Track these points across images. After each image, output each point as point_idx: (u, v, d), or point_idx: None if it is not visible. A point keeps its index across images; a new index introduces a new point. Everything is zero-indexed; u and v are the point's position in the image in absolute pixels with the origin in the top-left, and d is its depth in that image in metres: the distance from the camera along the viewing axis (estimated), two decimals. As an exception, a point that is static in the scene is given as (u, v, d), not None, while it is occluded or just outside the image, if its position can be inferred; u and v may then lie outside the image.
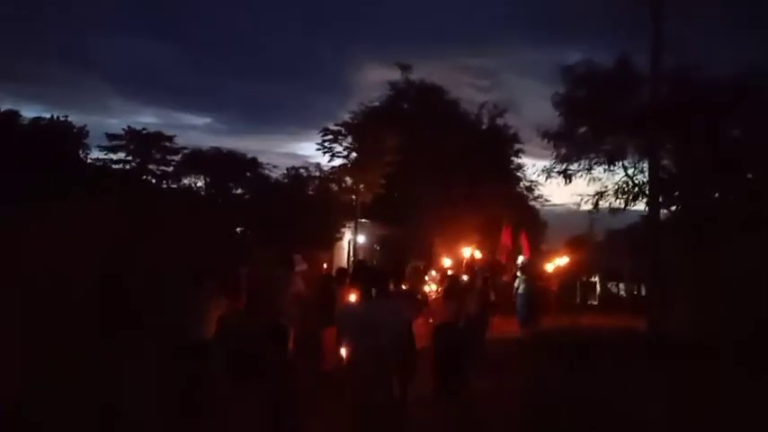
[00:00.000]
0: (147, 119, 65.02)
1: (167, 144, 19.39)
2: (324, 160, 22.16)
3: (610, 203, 16.83)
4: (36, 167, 12.47)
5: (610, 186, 17.04)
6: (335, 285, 8.32)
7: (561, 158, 17.21)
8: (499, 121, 32.96)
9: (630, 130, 15.18)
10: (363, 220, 21.41)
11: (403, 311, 5.06)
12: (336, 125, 21.45)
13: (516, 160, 32.71)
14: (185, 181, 20.47)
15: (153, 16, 62.82)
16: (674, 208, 16.48)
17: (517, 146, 32.37)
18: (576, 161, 17.00)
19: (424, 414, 6.73)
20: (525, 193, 33.32)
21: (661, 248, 15.15)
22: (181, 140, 21.07)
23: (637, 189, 16.34)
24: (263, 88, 62.03)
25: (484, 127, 32.79)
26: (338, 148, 21.65)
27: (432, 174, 25.64)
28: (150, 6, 63.24)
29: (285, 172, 21.05)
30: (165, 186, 19.89)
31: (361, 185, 20.53)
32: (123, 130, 19.67)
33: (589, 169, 16.92)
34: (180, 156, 19.50)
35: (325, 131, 21.79)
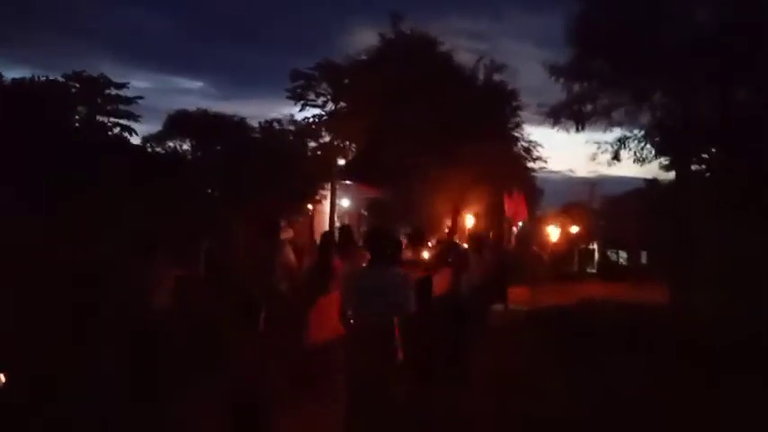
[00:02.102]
0: (139, 83, 63.18)
1: (115, 92, 16.66)
2: (297, 112, 19.50)
3: (635, 152, 13.85)
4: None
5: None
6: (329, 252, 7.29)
7: (573, 98, 13.80)
8: (496, 78, 30.46)
9: (662, 65, 11.91)
10: (347, 182, 19.13)
11: (410, 282, 4.73)
12: (309, 69, 18.78)
13: (514, 119, 30.20)
14: (170, 143, 18.96)
15: None
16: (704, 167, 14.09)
17: (515, 103, 29.93)
18: (591, 102, 13.69)
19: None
20: (523, 154, 31.06)
21: (690, 211, 12.99)
22: (173, 104, 19.17)
23: (666, 135, 13.07)
24: (255, 53, 60.25)
25: (479, 84, 30.27)
26: (312, 97, 18.93)
27: (424, 131, 23.28)
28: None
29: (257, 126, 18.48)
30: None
31: (339, 141, 18.05)
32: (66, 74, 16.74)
33: (608, 112, 13.52)
34: (131, 105, 16.89)
35: (295, 75, 19.07)
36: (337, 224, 18.75)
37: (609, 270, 34.01)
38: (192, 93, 55.36)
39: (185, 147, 19.22)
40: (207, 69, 66.32)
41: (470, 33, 55.32)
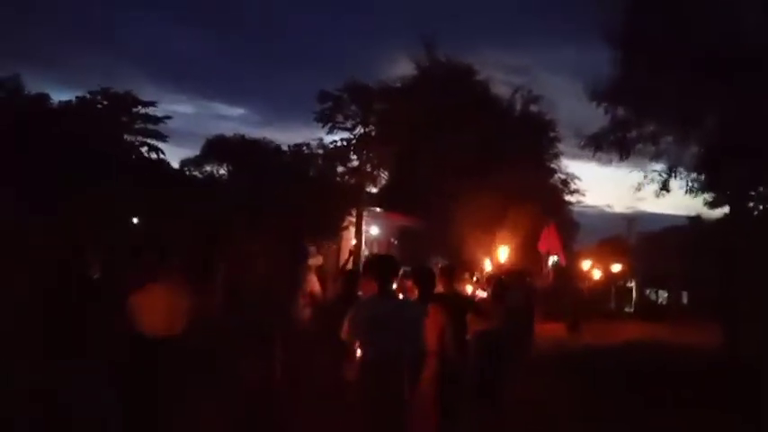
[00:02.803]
0: (181, 107, 64.48)
1: (143, 110, 16.38)
2: (325, 135, 18.92)
3: (687, 181, 12.54)
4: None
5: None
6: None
7: (616, 124, 12.36)
8: (533, 108, 29.76)
9: (720, 78, 10.20)
10: (377, 209, 18.48)
11: (423, 315, 4.44)
12: (338, 90, 18.29)
13: (551, 151, 29.31)
14: (207, 168, 19.07)
15: (189, 5, 61.42)
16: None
17: (553, 134, 29.09)
18: (636, 128, 12.20)
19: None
20: (560, 186, 30.10)
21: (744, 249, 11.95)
22: (214, 130, 19.29)
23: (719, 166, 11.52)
24: (297, 80, 61.18)
25: (516, 114, 29.58)
26: (340, 119, 18.35)
27: (459, 160, 22.60)
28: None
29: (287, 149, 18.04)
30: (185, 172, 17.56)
31: (369, 166, 17.47)
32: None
33: (654, 139, 12.06)
34: (158, 125, 16.61)
35: (323, 96, 18.59)
36: (366, 252, 18.07)
37: (647, 309, 32.72)
38: (232, 119, 56.10)
39: (222, 171, 19.30)
40: (248, 96, 67.01)
41: (507, 66, 54.87)
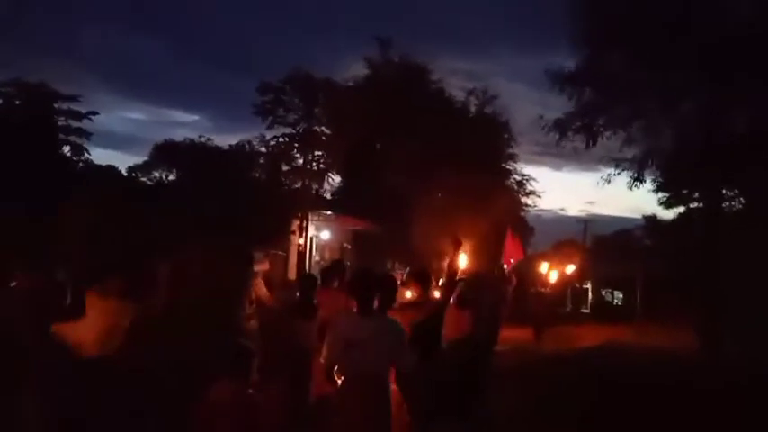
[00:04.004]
0: (134, 114, 62.16)
1: (66, 106, 14.72)
2: (265, 130, 17.72)
3: (655, 178, 11.71)
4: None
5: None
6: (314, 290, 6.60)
7: (583, 108, 11.56)
8: (488, 110, 29.29)
9: (699, 64, 9.56)
10: (327, 213, 17.35)
11: (404, 332, 4.24)
12: (280, 82, 17.10)
13: (507, 151, 28.90)
14: (156, 173, 18.78)
15: (140, 11, 59.35)
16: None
17: (507, 135, 28.68)
18: (605, 113, 11.34)
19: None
20: (516, 188, 29.71)
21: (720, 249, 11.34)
22: (167, 137, 18.68)
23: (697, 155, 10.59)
24: (253, 86, 59.19)
25: (471, 115, 29.04)
26: (282, 113, 17.10)
27: (413, 162, 21.72)
28: (136, 2, 59.20)
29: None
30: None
31: (316, 164, 16.32)
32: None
33: (626, 124, 11.12)
34: (81, 122, 15.03)
35: (264, 88, 17.36)
36: (316, 258, 16.90)
37: (603, 310, 32.79)
38: (186, 125, 54.44)
39: (171, 177, 18.73)
40: (203, 102, 65.71)
41: (462, 72, 54.52)
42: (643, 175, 11.89)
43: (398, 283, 5.61)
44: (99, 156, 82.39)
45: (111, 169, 17.17)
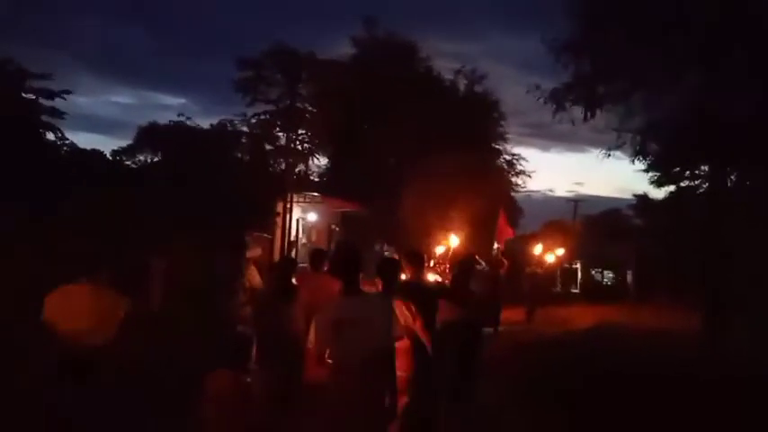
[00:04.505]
0: (120, 98, 61.09)
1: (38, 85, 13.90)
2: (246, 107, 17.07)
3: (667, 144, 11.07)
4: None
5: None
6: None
7: (581, 78, 10.72)
8: (477, 89, 28.84)
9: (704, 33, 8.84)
10: (314, 194, 16.83)
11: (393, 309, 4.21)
12: (261, 55, 16.39)
13: (497, 130, 28.49)
14: (140, 157, 18.21)
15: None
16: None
17: (496, 114, 28.27)
18: (605, 82, 10.56)
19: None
20: (506, 167, 29.36)
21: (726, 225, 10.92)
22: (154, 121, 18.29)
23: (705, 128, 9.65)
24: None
25: (461, 94, 28.54)
26: (265, 88, 16.43)
27: (401, 141, 21.20)
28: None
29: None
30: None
31: (300, 143, 15.74)
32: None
33: (628, 92, 10.28)
34: (54, 100, 14.25)
35: (243, 63, 16.68)
36: (303, 240, 16.41)
37: (594, 290, 32.68)
38: (173, 109, 53.46)
39: (156, 160, 18.14)
40: (189, 85, 64.74)
41: (449, 54, 53.84)
42: (646, 148, 11.37)
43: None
44: (85, 140, 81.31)
45: (96, 153, 16.70)
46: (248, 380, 4.15)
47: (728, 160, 10.49)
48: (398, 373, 4.34)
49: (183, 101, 62.66)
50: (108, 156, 17.31)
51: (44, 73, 14.07)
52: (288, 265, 6.67)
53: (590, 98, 10.77)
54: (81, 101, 62.35)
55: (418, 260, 5.58)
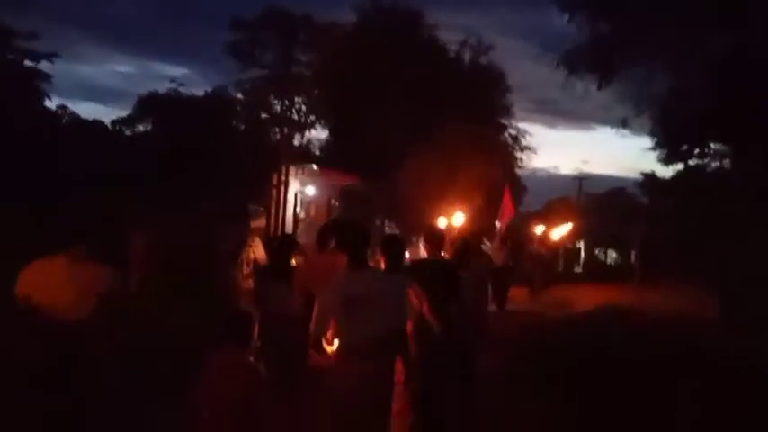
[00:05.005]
0: (122, 67, 60.33)
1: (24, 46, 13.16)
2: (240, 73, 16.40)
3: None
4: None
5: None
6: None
7: (596, 42, 9.83)
8: (483, 60, 28.05)
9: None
10: (312, 167, 16.23)
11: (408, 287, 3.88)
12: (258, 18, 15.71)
13: (502, 102, 27.76)
14: (140, 127, 17.96)
15: None
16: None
17: (503, 86, 27.49)
18: (623, 47, 9.58)
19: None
20: (511, 143, 28.69)
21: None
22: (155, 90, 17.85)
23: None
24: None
25: (466, 65, 27.74)
26: (260, 53, 15.73)
27: (405, 112, 20.51)
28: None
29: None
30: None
31: (296, 112, 15.04)
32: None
33: (649, 57, 9.37)
34: (40, 63, 13.58)
35: (236, 24, 15.96)
36: (302, 215, 15.87)
37: (597, 270, 32.32)
38: (176, 79, 52.71)
39: (149, 129, 17.97)
40: (191, 56, 64.11)
41: (455, 27, 52.79)
42: (665, 119, 10.67)
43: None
44: (86, 110, 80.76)
45: (97, 123, 16.59)
46: (251, 358, 3.90)
47: (752, 136, 9.85)
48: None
49: (185, 71, 61.93)
50: (108, 126, 17.08)
51: (31, 31, 13.34)
52: (288, 243, 6.24)
53: (606, 62, 9.98)
54: (83, 70, 61.81)
55: (437, 239, 5.39)
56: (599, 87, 10.31)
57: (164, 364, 5.12)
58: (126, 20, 55.52)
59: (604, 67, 9.98)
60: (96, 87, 53.76)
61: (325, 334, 3.63)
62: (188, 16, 61.76)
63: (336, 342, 3.64)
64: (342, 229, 4.16)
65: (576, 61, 10.16)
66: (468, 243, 6.87)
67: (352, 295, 3.55)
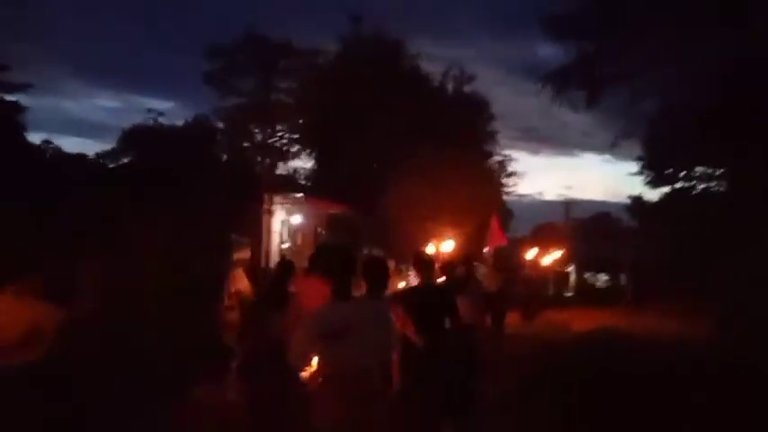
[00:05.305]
0: (106, 102, 60.29)
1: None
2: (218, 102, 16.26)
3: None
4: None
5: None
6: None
7: (584, 59, 9.62)
8: (466, 89, 28.25)
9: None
10: (297, 195, 15.98)
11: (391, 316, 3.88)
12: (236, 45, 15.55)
13: (487, 129, 27.86)
14: (125, 160, 17.86)
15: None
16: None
17: (486, 115, 27.62)
18: (611, 63, 9.47)
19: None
20: (497, 169, 28.72)
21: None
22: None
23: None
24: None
25: (450, 94, 27.89)
26: (238, 77, 15.54)
27: (390, 141, 20.41)
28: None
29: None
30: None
31: (278, 139, 14.80)
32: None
33: (640, 72, 9.15)
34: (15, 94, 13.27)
35: (213, 52, 15.81)
36: (288, 244, 15.55)
37: (587, 294, 32.24)
38: (162, 113, 52.76)
39: (128, 161, 17.47)
40: (177, 89, 64.61)
41: (437, 58, 53.39)
42: (657, 132, 10.56)
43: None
44: (73, 144, 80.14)
45: (81, 157, 16.48)
46: (228, 393, 3.96)
47: (745, 151, 9.73)
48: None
49: (170, 104, 61.84)
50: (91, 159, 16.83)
51: (3, 64, 13.06)
52: (286, 269, 5.96)
53: (593, 79, 9.82)
54: (68, 105, 61.84)
55: (425, 263, 5.35)
56: (587, 104, 10.20)
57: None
58: (111, 54, 55.78)
59: (592, 84, 9.88)
60: (82, 122, 53.77)
61: (303, 366, 3.52)
62: (172, 49, 62.10)
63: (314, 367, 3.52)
64: (326, 255, 3.90)
65: (562, 80, 10.07)
66: (468, 268, 6.83)
67: (337, 327, 3.40)
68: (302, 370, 3.56)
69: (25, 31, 43.23)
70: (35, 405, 4.00)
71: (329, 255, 3.87)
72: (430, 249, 15.11)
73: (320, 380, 3.50)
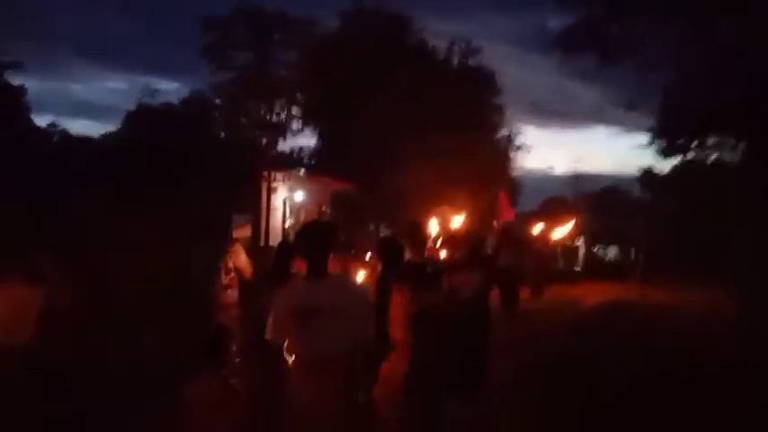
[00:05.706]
0: (113, 83, 60.33)
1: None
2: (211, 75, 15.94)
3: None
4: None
5: None
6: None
7: (591, 22, 9.04)
8: (472, 62, 27.70)
9: None
10: (300, 172, 15.67)
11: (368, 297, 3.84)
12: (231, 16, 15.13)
13: (494, 101, 27.34)
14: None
15: None
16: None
17: (494, 86, 27.06)
18: (624, 24, 8.80)
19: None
20: (505, 142, 28.29)
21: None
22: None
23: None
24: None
25: (455, 66, 27.37)
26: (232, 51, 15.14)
27: (396, 115, 20.02)
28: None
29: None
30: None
31: (276, 115, 14.45)
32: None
33: (651, 39, 8.69)
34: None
35: (209, 24, 15.42)
36: (291, 221, 15.31)
37: (597, 268, 31.95)
38: (167, 93, 53.12)
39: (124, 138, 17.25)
40: (183, 69, 64.41)
41: (441, 34, 52.69)
42: (669, 103, 10.07)
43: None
44: (81, 127, 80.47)
45: (88, 140, 16.49)
46: (231, 382, 3.79)
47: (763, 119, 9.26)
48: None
49: (176, 85, 61.85)
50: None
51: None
52: (287, 249, 5.68)
53: (604, 43, 9.26)
54: (76, 88, 61.88)
55: (418, 235, 5.16)
56: (597, 70, 9.70)
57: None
58: (116, 36, 55.66)
59: (602, 48, 9.32)
60: (89, 104, 53.91)
61: (282, 344, 3.36)
62: (176, 29, 61.89)
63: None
64: (300, 232, 3.75)
65: (571, 44, 9.53)
66: (480, 241, 6.56)
67: (309, 307, 3.24)
68: (282, 344, 3.38)
69: (29, 17, 43.20)
70: (34, 405, 4.03)
71: (302, 231, 3.77)
72: (433, 223, 14.82)
73: (291, 365, 3.36)
